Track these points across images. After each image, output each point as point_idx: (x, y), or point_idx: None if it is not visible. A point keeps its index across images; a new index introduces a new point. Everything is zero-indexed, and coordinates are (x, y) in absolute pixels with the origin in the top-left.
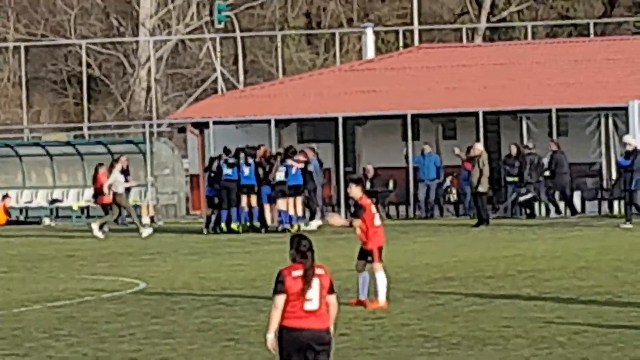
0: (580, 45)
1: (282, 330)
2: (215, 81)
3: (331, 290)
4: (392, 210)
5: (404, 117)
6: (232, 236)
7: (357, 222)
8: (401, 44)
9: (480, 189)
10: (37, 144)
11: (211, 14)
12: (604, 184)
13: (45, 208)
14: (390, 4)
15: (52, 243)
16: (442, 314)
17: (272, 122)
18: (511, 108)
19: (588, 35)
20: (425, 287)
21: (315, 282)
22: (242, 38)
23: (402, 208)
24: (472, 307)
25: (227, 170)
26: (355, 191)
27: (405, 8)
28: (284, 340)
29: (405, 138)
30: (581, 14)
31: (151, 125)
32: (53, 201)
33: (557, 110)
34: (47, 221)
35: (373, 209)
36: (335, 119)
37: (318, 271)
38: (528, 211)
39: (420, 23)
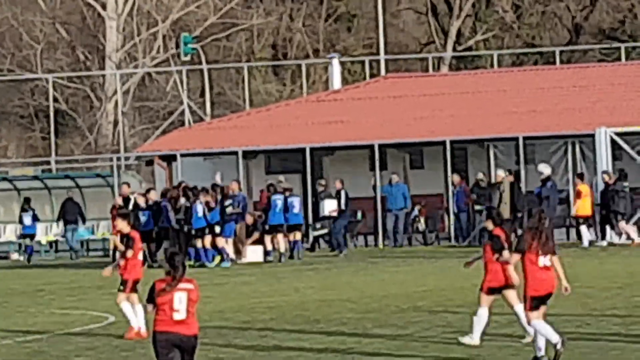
0: (547, 73)
1: (155, 334)
2: (182, 114)
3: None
4: (361, 240)
5: (371, 147)
6: (201, 269)
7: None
8: (367, 74)
9: None
10: (4, 179)
11: (177, 46)
12: (572, 212)
13: (14, 243)
14: (356, 35)
15: (21, 277)
16: (411, 344)
17: (240, 154)
18: (478, 137)
19: (554, 63)
20: (394, 317)
21: (184, 295)
22: (209, 70)
23: (370, 238)
24: (442, 337)
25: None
26: (122, 225)
27: (371, 38)
28: (157, 342)
29: (372, 168)
30: (547, 42)
31: (119, 159)
32: (22, 236)
33: (524, 138)
34: (15, 256)
35: (139, 242)
36: (303, 150)
37: (187, 285)
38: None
39: (386, 53)
